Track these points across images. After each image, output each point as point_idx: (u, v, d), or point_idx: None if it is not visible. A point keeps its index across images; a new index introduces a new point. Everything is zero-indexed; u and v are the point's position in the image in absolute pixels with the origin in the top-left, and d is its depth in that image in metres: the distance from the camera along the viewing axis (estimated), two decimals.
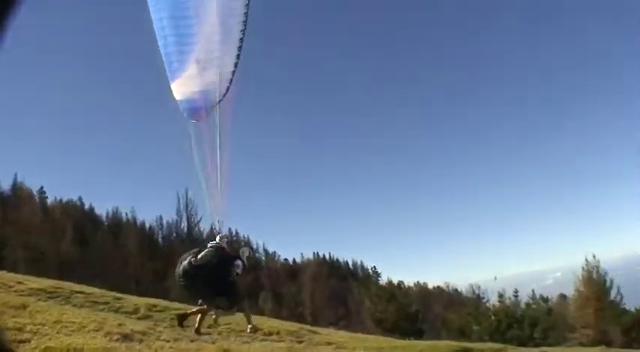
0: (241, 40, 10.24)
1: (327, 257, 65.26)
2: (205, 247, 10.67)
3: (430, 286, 48.45)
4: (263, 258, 64.93)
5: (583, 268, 35.59)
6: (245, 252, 11.61)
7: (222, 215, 10.92)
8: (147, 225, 60.18)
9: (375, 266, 60.83)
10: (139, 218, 60.38)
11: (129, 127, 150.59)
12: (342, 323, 35.58)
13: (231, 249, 11.54)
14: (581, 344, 28.71)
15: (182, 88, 10.59)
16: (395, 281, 53.46)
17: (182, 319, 11.86)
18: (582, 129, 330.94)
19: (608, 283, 36.03)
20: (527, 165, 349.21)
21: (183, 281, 10.59)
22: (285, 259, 65.29)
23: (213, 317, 11.87)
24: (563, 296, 44.85)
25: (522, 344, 27.74)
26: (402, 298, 45.45)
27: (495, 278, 45.65)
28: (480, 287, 46.32)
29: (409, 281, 55.28)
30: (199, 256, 10.31)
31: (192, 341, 11.69)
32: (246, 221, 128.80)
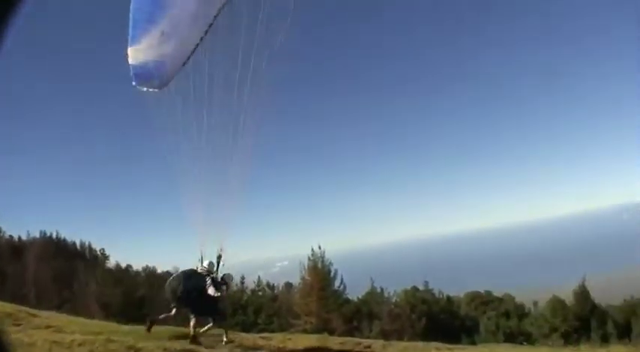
0: (211, 25, 10.51)
1: (55, 236, 62.24)
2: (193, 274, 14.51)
3: (159, 271, 47.83)
4: None
5: (309, 258, 37.16)
6: (230, 278, 15.55)
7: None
8: None
9: (103, 249, 58.79)
10: None
11: None
12: (67, 306, 34.80)
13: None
14: (304, 331, 29.89)
15: (138, 54, 10.61)
16: (123, 265, 53.57)
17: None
18: None
19: (332, 273, 37.69)
20: None
21: (175, 303, 14.65)
22: (11, 236, 61.67)
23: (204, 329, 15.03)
24: (288, 285, 46.40)
25: (246, 329, 28.68)
26: (129, 282, 45.48)
27: (223, 264, 46.29)
28: None
29: (138, 265, 54.30)
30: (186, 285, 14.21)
31: None
32: None
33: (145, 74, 10.90)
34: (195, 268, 14.74)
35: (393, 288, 42.94)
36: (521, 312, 42.96)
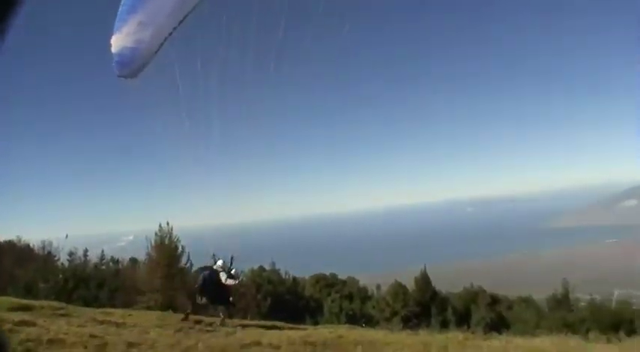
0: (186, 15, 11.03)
1: None
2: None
3: (1, 240, 45.97)
4: None
5: (156, 233, 36.71)
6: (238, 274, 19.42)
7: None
8: None
9: None
10: None
11: None
12: None
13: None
14: (149, 308, 29.78)
15: (117, 41, 11.23)
16: None
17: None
18: None
19: (179, 250, 36.93)
20: None
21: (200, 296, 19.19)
22: None
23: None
24: (133, 260, 45.28)
25: (87, 304, 27.87)
26: None
27: (67, 236, 45.89)
28: (52, 243, 44.16)
29: None
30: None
31: None
32: None
33: (121, 61, 11.46)
34: (212, 266, 18.88)
35: (240, 268, 42.15)
36: (364, 295, 44.01)
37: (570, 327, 29.72)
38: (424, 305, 38.12)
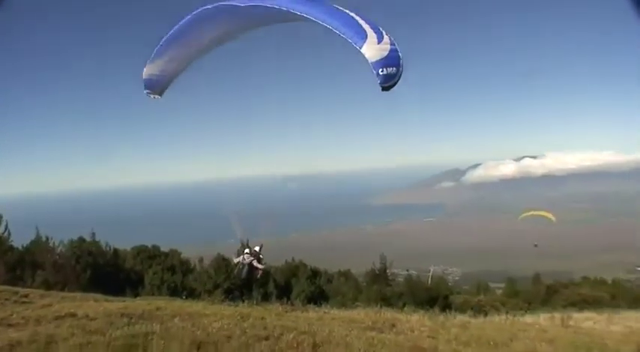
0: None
1: None
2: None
3: None
4: None
5: None
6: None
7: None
8: None
9: None
10: None
11: None
12: None
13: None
14: None
15: (148, 70, 14.52)
16: None
17: None
18: None
19: None
20: None
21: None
22: None
23: None
24: None
25: None
26: None
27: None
28: None
29: None
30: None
31: None
32: None
33: (148, 85, 14.83)
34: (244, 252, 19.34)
35: (59, 238, 40.49)
36: (186, 268, 44.07)
37: (387, 301, 32.10)
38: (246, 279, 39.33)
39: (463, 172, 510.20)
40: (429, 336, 15.37)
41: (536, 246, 65.56)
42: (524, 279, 59.29)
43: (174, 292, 37.11)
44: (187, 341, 12.15)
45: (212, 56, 14.57)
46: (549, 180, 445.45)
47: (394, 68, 10.57)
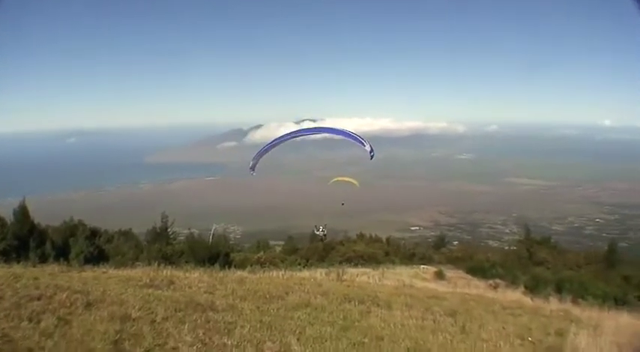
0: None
1: None
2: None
3: None
4: None
5: None
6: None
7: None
8: None
9: None
10: None
11: None
12: None
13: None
14: None
15: (252, 161, 23.87)
16: None
17: None
18: None
19: None
20: None
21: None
22: None
23: None
24: None
25: None
26: None
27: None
28: None
29: None
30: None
31: None
32: None
33: (251, 168, 23.77)
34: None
35: None
36: None
37: (168, 259, 32.28)
38: (23, 239, 36.99)
39: (245, 132, 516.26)
40: (206, 292, 15.72)
41: (343, 204, 69.21)
42: (303, 237, 62.23)
43: None
44: None
45: None
46: (328, 142, 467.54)
47: (373, 152, 22.48)
